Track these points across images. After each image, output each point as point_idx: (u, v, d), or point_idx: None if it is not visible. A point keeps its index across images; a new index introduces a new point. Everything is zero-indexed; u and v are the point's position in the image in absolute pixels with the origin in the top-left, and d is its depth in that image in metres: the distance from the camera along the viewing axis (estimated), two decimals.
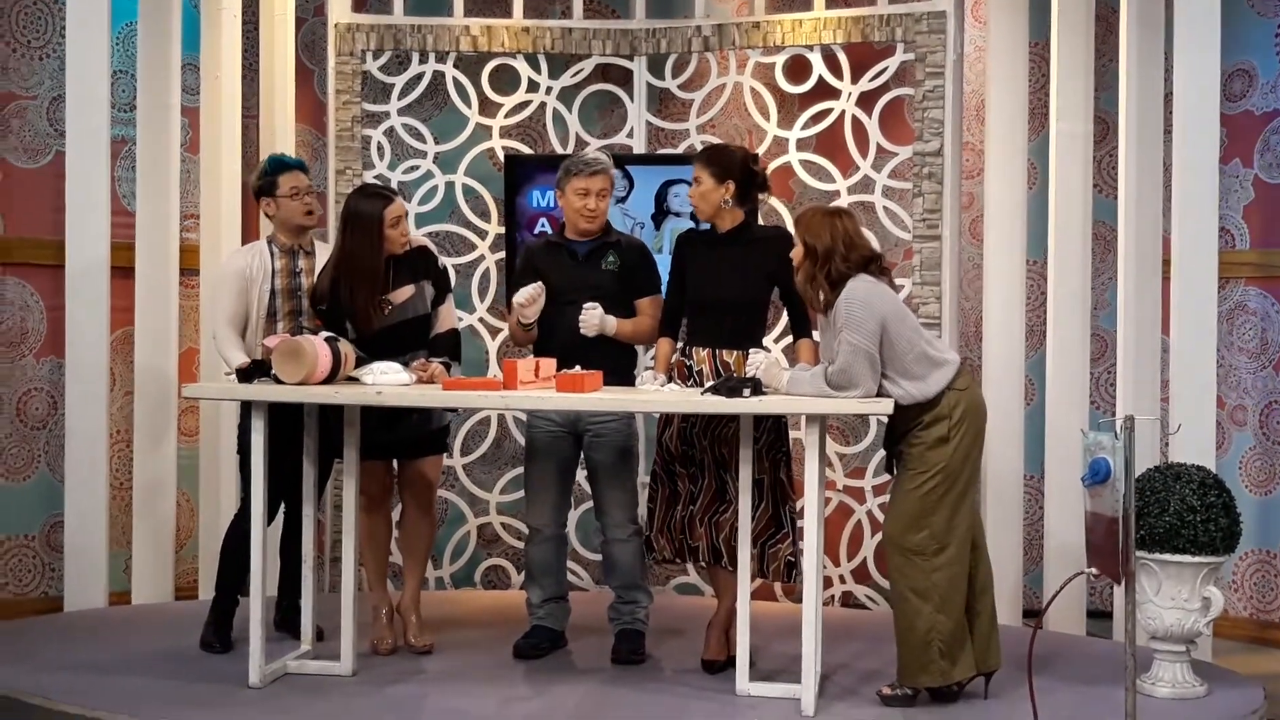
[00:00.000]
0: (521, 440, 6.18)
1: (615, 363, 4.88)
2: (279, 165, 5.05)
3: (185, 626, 5.16)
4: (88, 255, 5.62)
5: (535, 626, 5.10)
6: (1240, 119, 5.87)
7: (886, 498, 4.60)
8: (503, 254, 6.13)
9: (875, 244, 4.69)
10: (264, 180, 5.03)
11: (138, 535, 5.85)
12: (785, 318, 5.54)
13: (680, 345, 4.94)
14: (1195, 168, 5.07)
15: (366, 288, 4.75)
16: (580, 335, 4.86)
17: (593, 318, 4.86)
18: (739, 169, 4.74)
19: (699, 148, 6.00)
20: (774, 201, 5.93)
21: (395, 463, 5.07)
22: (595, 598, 5.72)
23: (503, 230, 6.15)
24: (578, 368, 4.51)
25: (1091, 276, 5.71)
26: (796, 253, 4.42)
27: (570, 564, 5.75)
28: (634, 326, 4.95)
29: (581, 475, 5.35)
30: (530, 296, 4.86)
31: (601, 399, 4.47)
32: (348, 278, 4.75)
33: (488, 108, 6.22)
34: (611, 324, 4.89)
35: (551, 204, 5.99)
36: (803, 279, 4.41)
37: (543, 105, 6.23)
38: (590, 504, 5.94)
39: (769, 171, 4.88)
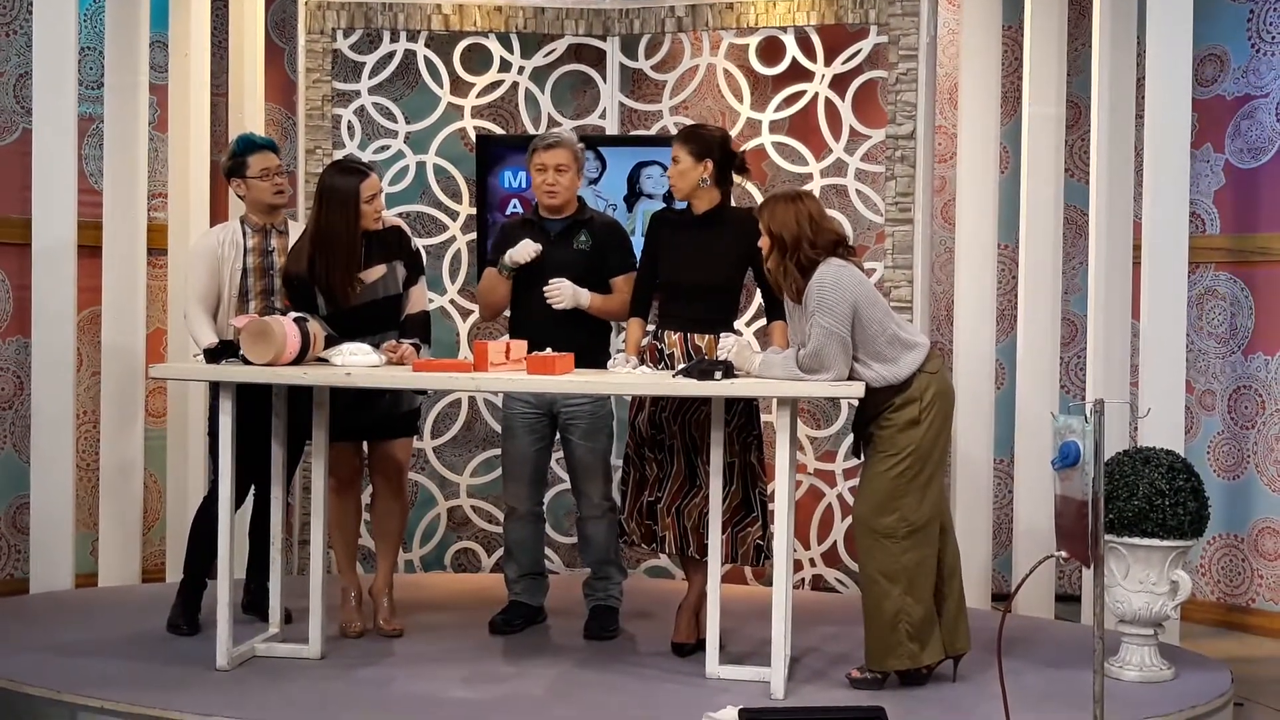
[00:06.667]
0: (492, 422, 6.18)
1: (588, 343, 4.86)
2: (248, 145, 5.01)
3: (152, 609, 5.13)
4: (55, 234, 5.57)
5: (512, 603, 5.15)
6: (1212, 104, 5.88)
7: (857, 481, 4.60)
8: (474, 235, 6.10)
9: (841, 225, 4.67)
10: (233, 161, 4.99)
11: (104, 517, 5.81)
12: (758, 299, 5.54)
13: (652, 329, 4.92)
14: (1166, 152, 5.07)
15: (343, 262, 4.71)
16: (552, 314, 4.84)
17: (564, 290, 4.83)
18: (717, 148, 4.73)
19: (672, 129, 5.99)
20: (748, 185, 5.91)
21: (365, 445, 5.05)
22: (565, 580, 5.71)
23: (474, 211, 6.11)
24: (549, 350, 4.48)
25: (1063, 261, 5.72)
26: (764, 243, 4.40)
27: None
28: (605, 301, 4.92)
29: (556, 457, 5.34)
30: (529, 255, 4.86)
31: (572, 381, 4.45)
32: (324, 252, 4.71)
33: (459, 87, 6.18)
34: (585, 297, 4.87)
35: (523, 185, 5.96)
36: (772, 268, 4.40)
37: (515, 85, 6.19)
38: (561, 487, 5.95)
39: (744, 152, 4.85)
